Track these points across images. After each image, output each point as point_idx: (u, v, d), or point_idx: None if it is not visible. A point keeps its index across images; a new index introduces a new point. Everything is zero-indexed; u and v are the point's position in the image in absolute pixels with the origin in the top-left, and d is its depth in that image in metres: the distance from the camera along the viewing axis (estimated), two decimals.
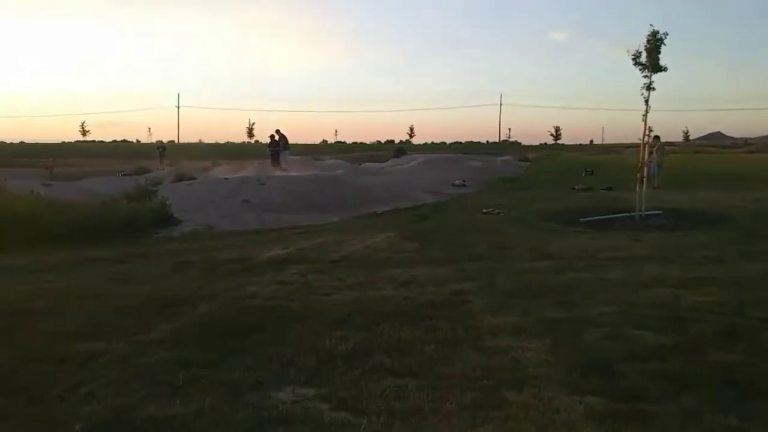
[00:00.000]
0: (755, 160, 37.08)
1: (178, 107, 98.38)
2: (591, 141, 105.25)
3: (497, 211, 12.89)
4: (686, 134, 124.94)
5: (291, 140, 25.98)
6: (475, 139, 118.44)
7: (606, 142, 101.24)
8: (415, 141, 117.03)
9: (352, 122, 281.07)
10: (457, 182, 22.32)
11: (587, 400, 3.15)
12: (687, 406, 3.09)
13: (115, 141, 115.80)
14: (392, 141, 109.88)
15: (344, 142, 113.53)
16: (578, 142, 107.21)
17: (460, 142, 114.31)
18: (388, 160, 38.42)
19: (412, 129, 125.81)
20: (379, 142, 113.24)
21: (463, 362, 3.78)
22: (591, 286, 5.84)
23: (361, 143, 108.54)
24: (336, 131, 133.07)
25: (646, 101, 11.09)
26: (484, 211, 13.01)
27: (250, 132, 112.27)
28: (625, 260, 7.12)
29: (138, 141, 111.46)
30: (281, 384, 3.46)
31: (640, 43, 10.98)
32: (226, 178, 19.27)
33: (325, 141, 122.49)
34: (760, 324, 4.52)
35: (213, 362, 3.83)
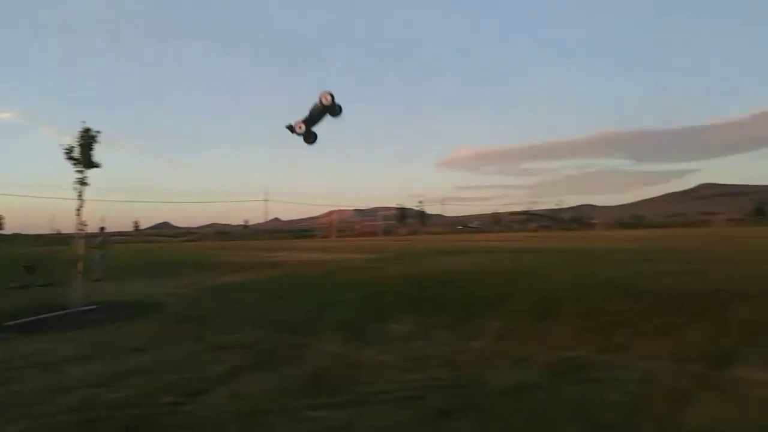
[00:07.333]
0: (195, 248, 41.83)
1: None
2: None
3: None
4: (137, 224, 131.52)
5: None
6: None
7: (64, 231, 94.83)
8: None
9: None
10: None
11: None
12: None
13: None
14: None
15: None
16: (30, 232, 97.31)
17: None
18: None
19: None
20: None
21: None
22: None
23: None
24: None
25: (80, 195, 10.99)
26: None
27: None
28: (47, 365, 6.70)
29: None
30: None
31: (74, 137, 10.95)
32: None
33: None
34: (166, 408, 4.98)
35: None
